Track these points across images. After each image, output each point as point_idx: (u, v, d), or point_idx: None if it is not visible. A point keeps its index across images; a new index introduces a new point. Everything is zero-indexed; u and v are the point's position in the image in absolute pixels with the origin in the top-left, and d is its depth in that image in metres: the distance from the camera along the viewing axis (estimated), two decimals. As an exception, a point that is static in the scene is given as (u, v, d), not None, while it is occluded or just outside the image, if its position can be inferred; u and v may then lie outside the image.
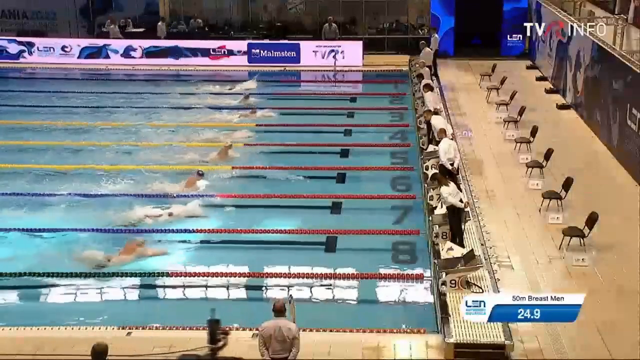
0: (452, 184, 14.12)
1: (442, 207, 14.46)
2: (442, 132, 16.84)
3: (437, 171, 15.43)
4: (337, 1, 32.78)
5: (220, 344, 10.44)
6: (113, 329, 12.37)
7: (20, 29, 33.73)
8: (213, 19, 33.49)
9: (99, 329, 12.38)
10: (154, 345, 11.63)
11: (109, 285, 14.10)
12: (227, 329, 10.91)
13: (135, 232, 16.18)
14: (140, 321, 12.79)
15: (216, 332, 10.42)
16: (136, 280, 14.23)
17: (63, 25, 33.86)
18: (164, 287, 14.16)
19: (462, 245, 13.63)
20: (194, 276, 14.28)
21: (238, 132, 22.88)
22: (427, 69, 24.36)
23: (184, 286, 14.12)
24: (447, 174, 15.10)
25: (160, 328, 12.50)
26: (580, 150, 20.33)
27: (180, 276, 14.31)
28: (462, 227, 14.03)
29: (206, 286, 14.09)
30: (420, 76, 23.45)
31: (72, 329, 12.48)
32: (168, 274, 14.32)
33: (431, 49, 27.24)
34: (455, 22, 31.49)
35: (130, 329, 12.31)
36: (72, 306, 13.63)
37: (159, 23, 32.27)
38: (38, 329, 12.41)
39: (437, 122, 17.96)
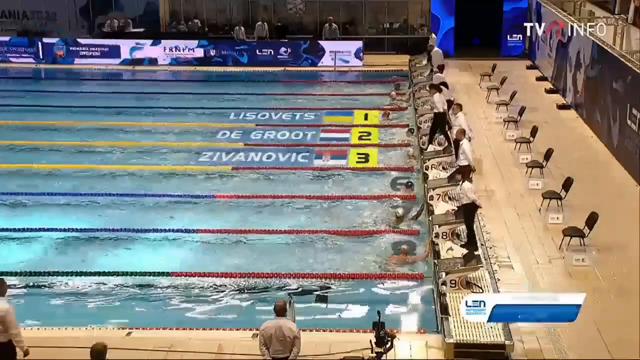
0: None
1: (446, 203, 14.53)
2: (462, 132, 16.58)
3: (463, 169, 15.46)
4: (337, 1, 32.78)
5: (387, 346, 10.41)
6: (113, 329, 12.40)
7: (20, 29, 33.69)
8: (213, 19, 33.48)
9: (99, 329, 12.40)
10: (154, 345, 11.63)
11: (109, 285, 14.08)
12: (394, 331, 10.95)
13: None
14: (140, 321, 12.81)
15: (383, 335, 10.39)
16: (136, 280, 14.21)
17: (63, 25, 33.83)
18: (164, 287, 14.12)
19: (474, 243, 13.73)
20: (194, 276, 14.27)
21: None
22: (438, 74, 23.06)
23: (184, 286, 14.09)
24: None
25: (161, 328, 12.51)
26: (580, 150, 20.31)
27: (181, 276, 14.31)
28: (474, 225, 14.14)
29: (206, 286, 14.08)
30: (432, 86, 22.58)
31: (72, 329, 12.47)
32: (168, 274, 14.32)
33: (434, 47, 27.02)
34: (455, 22, 31.48)
35: (130, 329, 12.32)
36: (72, 306, 13.60)
37: (258, 23, 32.17)
38: (38, 329, 12.42)
39: (460, 121, 17.92)
